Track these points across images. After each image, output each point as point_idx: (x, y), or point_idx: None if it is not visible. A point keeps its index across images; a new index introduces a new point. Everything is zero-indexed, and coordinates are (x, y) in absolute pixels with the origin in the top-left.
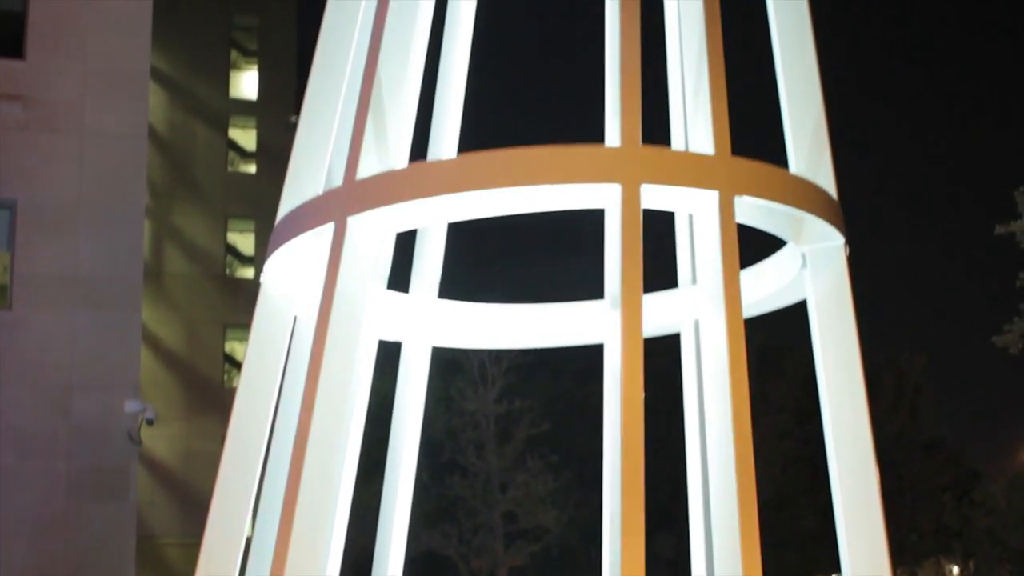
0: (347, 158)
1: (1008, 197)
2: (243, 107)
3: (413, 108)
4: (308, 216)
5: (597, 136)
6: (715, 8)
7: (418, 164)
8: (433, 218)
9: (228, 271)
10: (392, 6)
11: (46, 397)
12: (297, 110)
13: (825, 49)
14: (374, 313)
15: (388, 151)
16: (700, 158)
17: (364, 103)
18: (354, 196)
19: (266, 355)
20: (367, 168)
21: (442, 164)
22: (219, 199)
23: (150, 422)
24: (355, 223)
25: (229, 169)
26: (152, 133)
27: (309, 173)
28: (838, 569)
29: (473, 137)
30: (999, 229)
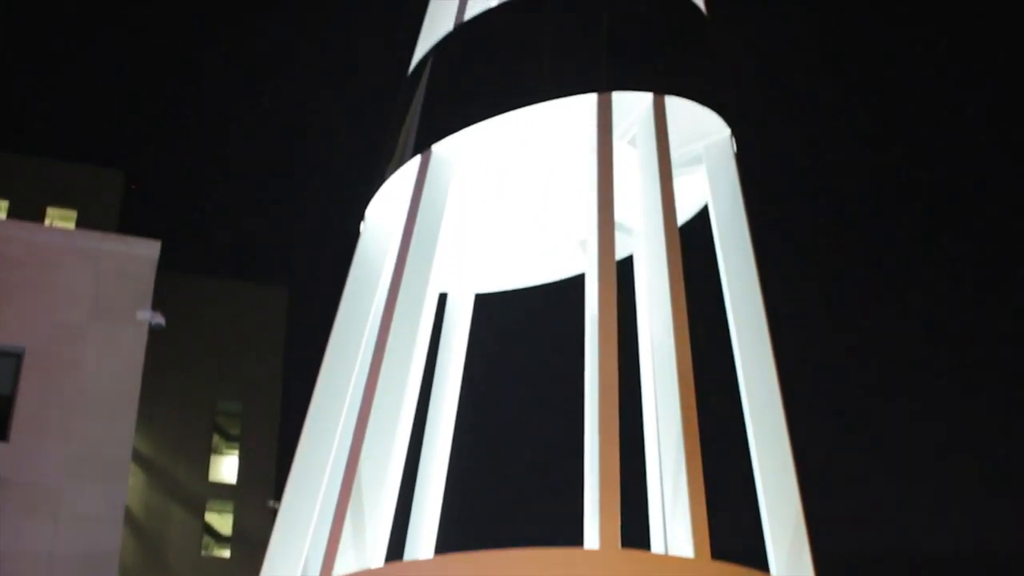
0: (324, 554)
1: None
2: (221, 491)
3: (392, 506)
4: None
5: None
6: (691, 406)
7: (395, 564)
8: None
9: None
10: (376, 403)
11: None
12: (277, 496)
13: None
14: None
15: (365, 548)
16: (680, 562)
17: (344, 500)
18: None
19: None
20: (344, 566)
21: (419, 564)
22: None
23: None
24: None
25: (203, 553)
26: (128, 514)
27: (285, 566)
28: None
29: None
30: None
